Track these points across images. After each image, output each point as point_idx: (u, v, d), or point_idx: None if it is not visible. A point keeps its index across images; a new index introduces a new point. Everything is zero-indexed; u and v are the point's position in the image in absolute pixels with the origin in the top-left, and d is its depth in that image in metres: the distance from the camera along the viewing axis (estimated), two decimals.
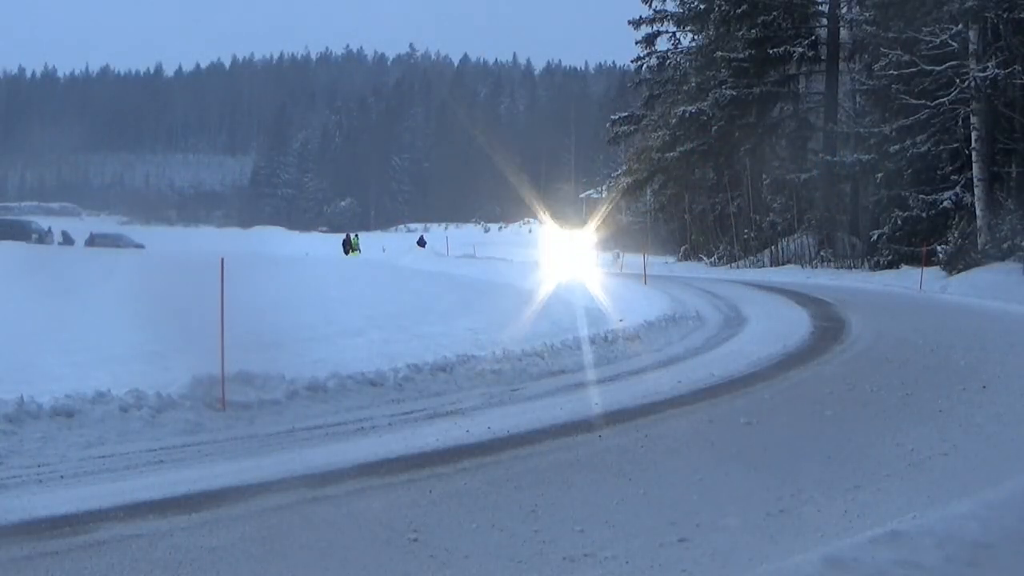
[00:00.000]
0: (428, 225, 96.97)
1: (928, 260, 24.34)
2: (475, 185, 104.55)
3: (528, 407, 8.35)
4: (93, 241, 47.00)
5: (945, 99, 25.22)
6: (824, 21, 35.30)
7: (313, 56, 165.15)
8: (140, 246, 44.98)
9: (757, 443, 7.01)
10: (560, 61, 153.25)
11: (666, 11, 40.83)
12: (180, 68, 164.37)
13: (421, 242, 51.46)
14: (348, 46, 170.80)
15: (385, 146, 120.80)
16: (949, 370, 10.16)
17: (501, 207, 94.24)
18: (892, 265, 28.11)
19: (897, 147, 27.04)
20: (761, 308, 17.29)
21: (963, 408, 8.16)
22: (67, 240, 47.10)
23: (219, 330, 7.87)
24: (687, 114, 37.39)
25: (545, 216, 46.00)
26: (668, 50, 42.49)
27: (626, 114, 44.70)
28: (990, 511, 4.69)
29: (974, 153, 24.95)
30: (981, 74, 23.95)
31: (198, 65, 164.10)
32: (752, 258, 36.65)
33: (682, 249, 41.99)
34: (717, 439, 7.12)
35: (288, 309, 13.94)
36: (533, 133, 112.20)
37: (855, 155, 30.83)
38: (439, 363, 9.59)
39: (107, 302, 14.00)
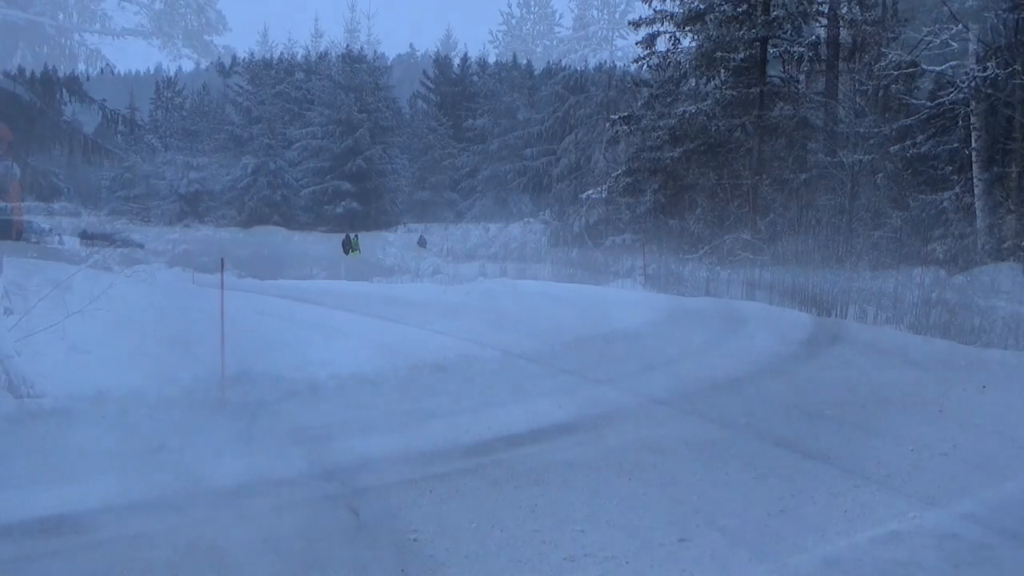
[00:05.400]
0: (428, 225, 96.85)
1: (928, 260, 24.30)
2: (475, 185, 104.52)
3: (528, 407, 8.34)
4: (87, 236, 46.53)
5: (945, 99, 25.20)
6: (824, 21, 35.26)
7: (313, 56, 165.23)
8: (140, 245, 44.82)
9: (756, 443, 7.01)
10: (560, 61, 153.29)
11: (666, 11, 40.80)
12: (180, 68, 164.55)
13: (422, 242, 51.30)
14: (348, 46, 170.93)
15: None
16: (949, 370, 10.15)
17: (501, 207, 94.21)
18: (891, 265, 28.07)
19: (897, 147, 27.02)
20: (760, 308, 17.26)
21: (963, 408, 8.16)
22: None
23: (219, 330, 7.88)
24: (687, 114, 37.33)
25: None
26: (668, 50, 42.44)
27: (626, 114, 44.61)
28: (990, 511, 4.69)
29: (974, 153, 24.92)
30: (981, 74, 23.93)
31: (198, 65, 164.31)
32: None
33: None
34: (717, 438, 7.12)
35: (288, 309, 13.93)
36: (533, 133, 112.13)
37: (855, 155, 30.80)
38: (439, 363, 9.58)
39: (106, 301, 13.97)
